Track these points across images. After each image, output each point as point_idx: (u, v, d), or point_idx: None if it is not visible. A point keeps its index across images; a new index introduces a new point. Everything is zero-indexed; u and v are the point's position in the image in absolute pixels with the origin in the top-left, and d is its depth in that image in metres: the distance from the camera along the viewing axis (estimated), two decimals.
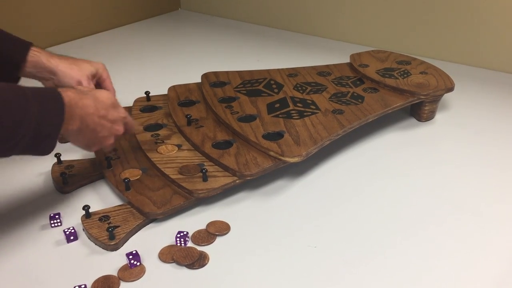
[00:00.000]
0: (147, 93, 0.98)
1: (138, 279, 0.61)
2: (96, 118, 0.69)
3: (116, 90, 0.87)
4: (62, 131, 0.64)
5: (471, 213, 0.72)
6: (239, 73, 1.04)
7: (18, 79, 0.83)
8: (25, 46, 0.82)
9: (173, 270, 0.62)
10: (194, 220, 0.71)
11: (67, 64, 0.84)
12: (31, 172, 0.82)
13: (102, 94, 0.72)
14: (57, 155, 0.81)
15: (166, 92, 0.99)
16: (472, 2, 1.19)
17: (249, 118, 0.85)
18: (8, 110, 0.57)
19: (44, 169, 0.82)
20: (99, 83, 0.87)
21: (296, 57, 1.32)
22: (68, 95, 0.64)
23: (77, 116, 0.66)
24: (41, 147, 0.62)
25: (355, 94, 0.94)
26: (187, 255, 0.64)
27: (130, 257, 0.62)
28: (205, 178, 0.73)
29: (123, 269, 0.62)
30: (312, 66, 1.08)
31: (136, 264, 0.62)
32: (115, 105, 0.73)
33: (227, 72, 1.04)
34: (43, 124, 0.60)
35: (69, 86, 0.82)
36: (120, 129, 0.73)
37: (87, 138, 0.70)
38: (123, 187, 0.74)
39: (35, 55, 0.82)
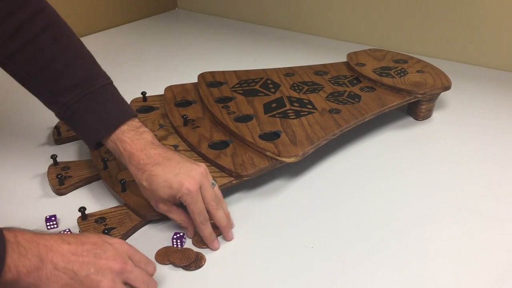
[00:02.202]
0: (143, 93, 0.98)
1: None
2: (72, 262, 0.50)
3: None
4: (12, 282, 0.47)
5: (468, 212, 0.72)
6: (236, 72, 1.04)
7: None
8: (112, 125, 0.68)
9: (169, 272, 0.62)
10: None
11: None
12: (27, 173, 0.81)
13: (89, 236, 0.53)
14: (53, 157, 0.81)
15: (162, 92, 0.99)
16: (469, 0, 1.18)
17: (246, 118, 0.85)
18: None
19: (40, 170, 0.82)
20: None
21: (293, 56, 1.31)
22: (13, 235, 0.49)
23: (32, 255, 0.48)
24: None
25: (352, 93, 0.94)
26: (183, 256, 0.64)
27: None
28: None
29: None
30: (308, 66, 1.07)
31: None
32: (111, 247, 0.53)
33: (223, 72, 1.04)
34: None
35: None
36: (106, 284, 0.50)
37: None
38: (119, 189, 0.73)
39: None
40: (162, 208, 0.66)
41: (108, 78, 0.73)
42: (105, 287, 0.50)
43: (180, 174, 0.63)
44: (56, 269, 0.48)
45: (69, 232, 0.67)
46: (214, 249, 0.65)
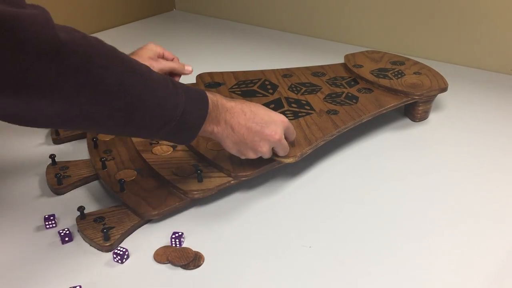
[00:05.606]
0: None
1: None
2: (243, 128, 0.68)
3: None
4: (207, 131, 0.66)
5: (465, 213, 0.73)
6: (234, 73, 1.04)
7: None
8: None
9: (168, 271, 0.62)
10: (189, 221, 0.71)
11: None
12: (26, 173, 0.82)
13: (260, 110, 0.71)
14: (52, 156, 0.81)
15: None
16: (466, 3, 1.19)
17: None
18: (163, 93, 0.61)
19: (38, 170, 0.82)
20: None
21: (290, 58, 1.32)
22: (213, 96, 0.67)
23: (222, 118, 0.67)
24: (183, 136, 0.65)
25: (350, 94, 0.95)
26: (182, 255, 0.64)
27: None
28: (200, 179, 0.73)
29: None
30: (306, 67, 1.08)
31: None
32: (273, 125, 0.70)
33: (221, 72, 1.04)
34: (188, 114, 0.63)
35: None
36: (264, 149, 0.70)
37: (232, 143, 0.69)
38: (118, 188, 0.73)
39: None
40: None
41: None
42: (263, 150, 0.70)
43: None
44: (233, 131, 0.68)
45: (68, 232, 0.67)
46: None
